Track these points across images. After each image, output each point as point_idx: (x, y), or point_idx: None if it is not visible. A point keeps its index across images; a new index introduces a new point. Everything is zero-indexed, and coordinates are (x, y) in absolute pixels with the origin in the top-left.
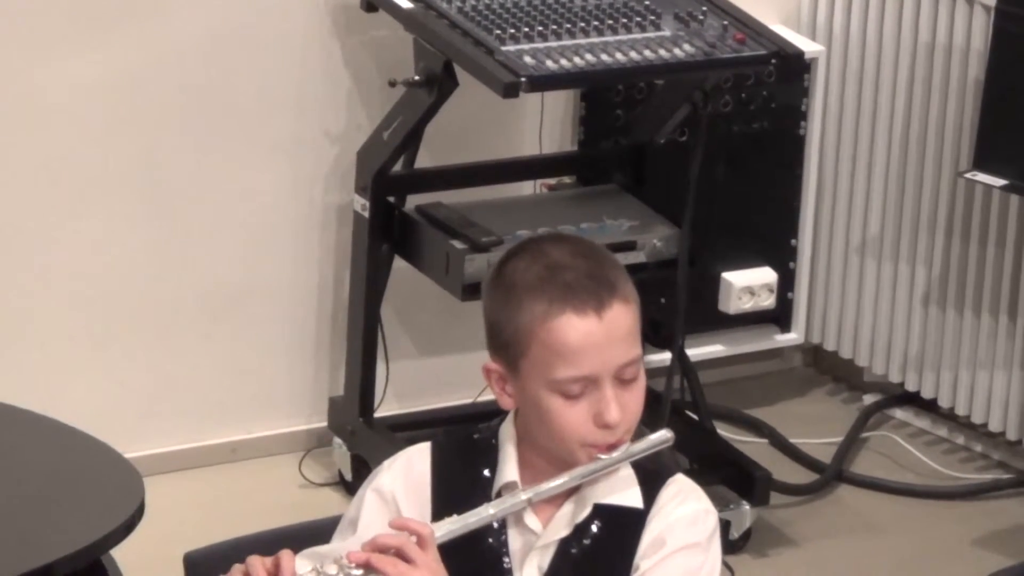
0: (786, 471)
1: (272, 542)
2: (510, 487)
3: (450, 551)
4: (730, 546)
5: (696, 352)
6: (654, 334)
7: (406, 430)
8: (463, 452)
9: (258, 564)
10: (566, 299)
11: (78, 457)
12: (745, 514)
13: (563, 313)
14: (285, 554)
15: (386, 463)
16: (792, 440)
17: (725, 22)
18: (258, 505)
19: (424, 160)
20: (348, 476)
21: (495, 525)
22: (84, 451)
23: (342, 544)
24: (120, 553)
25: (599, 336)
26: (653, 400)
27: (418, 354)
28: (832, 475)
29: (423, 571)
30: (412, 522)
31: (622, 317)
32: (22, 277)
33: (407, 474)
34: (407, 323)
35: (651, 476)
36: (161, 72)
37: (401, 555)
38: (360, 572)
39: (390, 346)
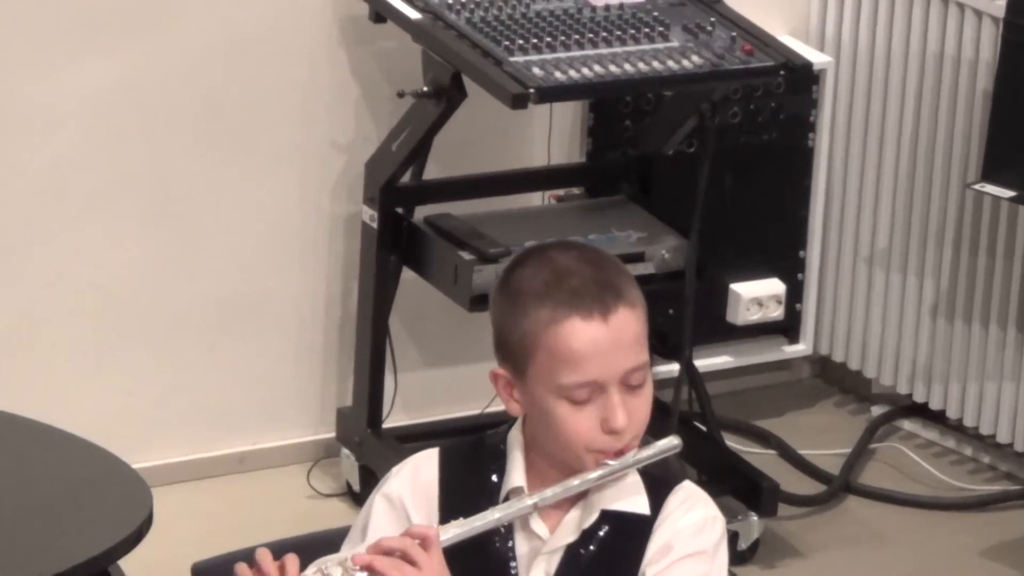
0: (794, 482)
1: (280, 553)
2: (517, 493)
3: (457, 556)
4: (738, 557)
5: (704, 363)
6: (662, 345)
7: (414, 441)
8: (471, 457)
9: (268, 560)
10: (571, 304)
11: (86, 468)
12: (753, 525)
13: (568, 318)
14: (290, 558)
15: (395, 468)
16: (800, 451)
17: (733, 33)
18: (266, 516)
19: (432, 171)
20: (356, 487)
21: (502, 530)
22: (92, 462)
23: (351, 551)
24: (128, 563)
25: (605, 341)
26: (661, 411)
27: (426, 365)
28: (840, 486)
29: (427, 574)
30: (417, 527)
31: (628, 322)
32: (29, 286)
33: (415, 479)
34: (415, 334)
35: (658, 483)
36: (169, 82)
37: (406, 558)
38: (365, 574)
39: (398, 357)
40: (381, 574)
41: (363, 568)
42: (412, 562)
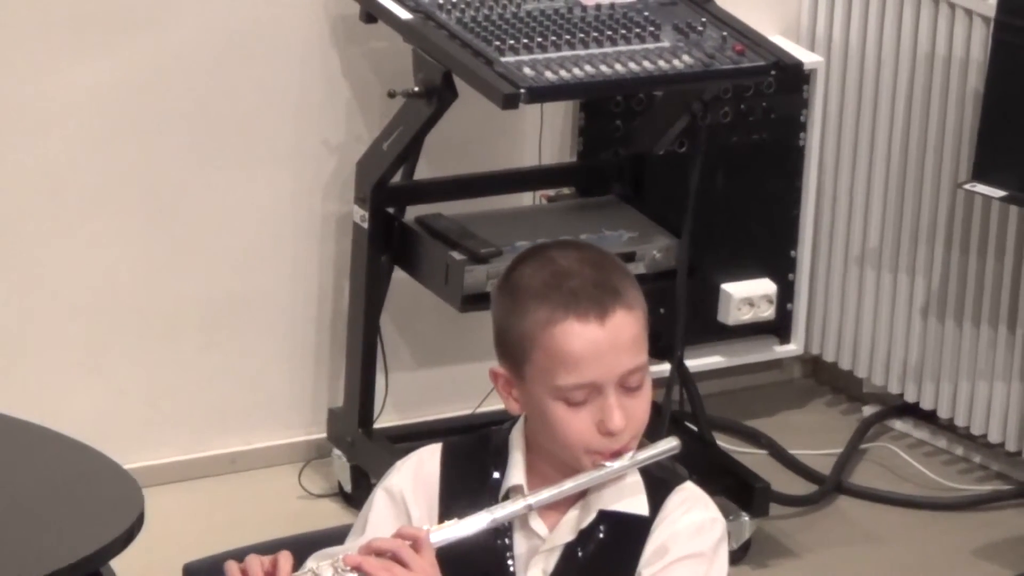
0: (785, 482)
1: (271, 553)
2: (516, 491)
3: (455, 553)
4: (729, 557)
5: (695, 363)
6: (653, 345)
7: (405, 441)
8: (473, 454)
9: (256, 562)
10: (569, 306)
11: (77, 468)
12: (744, 525)
13: (565, 320)
14: (283, 555)
15: (399, 462)
16: (791, 451)
17: (724, 33)
18: (257, 516)
19: (423, 171)
20: (347, 487)
21: (501, 527)
22: (83, 462)
23: (352, 545)
24: (119, 564)
25: (602, 343)
26: (653, 411)
27: (417, 365)
28: (831, 486)
29: (417, 575)
30: (409, 528)
31: (626, 324)
32: (21, 286)
33: (416, 473)
34: (406, 334)
35: (658, 484)
36: (161, 82)
37: (396, 559)
38: (355, 575)
39: (389, 357)
40: (371, 575)
41: (353, 568)
42: (403, 563)
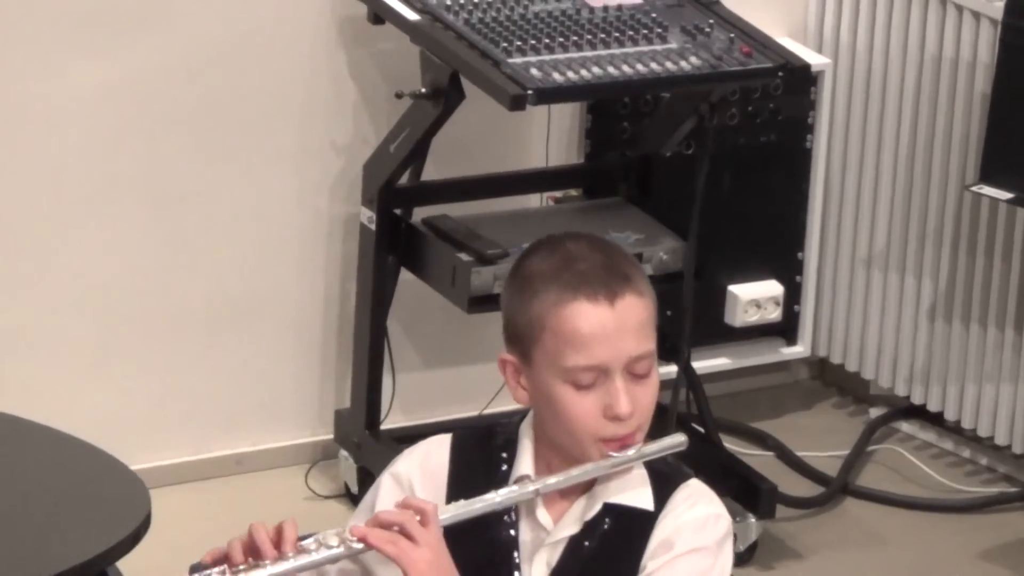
0: (792, 484)
1: None
2: (523, 481)
3: (461, 541)
4: (736, 559)
5: (702, 365)
6: (660, 346)
7: (412, 442)
8: (482, 445)
9: (260, 528)
10: (579, 287)
11: (84, 469)
12: (751, 527)
13: (575, 300)
14: (289, 523)
15: (407, 450)
16: (798, 453)
17: (732, 35)
18: (264, 517)
19: (430, 172)
20: (354, 488)
21: (506, 518)
22: (90, 463)
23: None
24: (126, 565)
25: (611, 325)
26: (659, 412)
27: (424, 366)
28: (838, 488)
29: (424, 549)
30: (416, 500)
31: (635, 308)
32: (27, 286)
33: (425, 462)
34: (413, 335)
35: (664, 479)
36: (168, 82)
37: (404, 532)
38: (361, 546)
39: (396, 358)
40: (376, 548)
41: (359, 540)
42: (409, 536)
